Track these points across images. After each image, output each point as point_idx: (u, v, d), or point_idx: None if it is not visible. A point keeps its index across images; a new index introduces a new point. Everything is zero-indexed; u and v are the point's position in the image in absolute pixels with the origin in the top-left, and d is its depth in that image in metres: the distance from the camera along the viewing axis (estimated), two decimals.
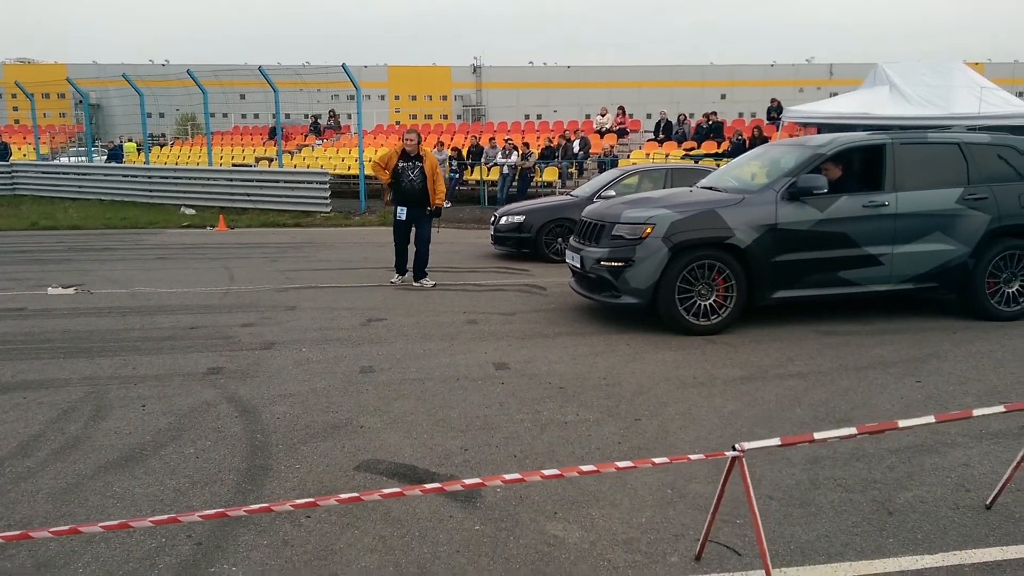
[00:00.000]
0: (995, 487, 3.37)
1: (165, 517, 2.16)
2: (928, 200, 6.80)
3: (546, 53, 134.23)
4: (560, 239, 11.10)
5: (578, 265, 7.10)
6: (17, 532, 1.99)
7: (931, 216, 6.79)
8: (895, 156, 6.85)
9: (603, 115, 23.48)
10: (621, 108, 23.65)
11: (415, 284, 9.04)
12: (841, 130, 10.99)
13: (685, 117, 22.17)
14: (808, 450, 3.96)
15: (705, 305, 6.50)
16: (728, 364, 5.66)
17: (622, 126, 23.00)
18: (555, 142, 20.93)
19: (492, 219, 12.07)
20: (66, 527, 2.04)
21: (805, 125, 15.45)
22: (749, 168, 7.85)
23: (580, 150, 20.23)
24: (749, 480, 2.61)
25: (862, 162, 7.25)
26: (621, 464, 2.57)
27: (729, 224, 6.44)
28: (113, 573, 2.85)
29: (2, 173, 23.21)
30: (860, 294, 6.86)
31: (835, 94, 19.92)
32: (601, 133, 22.51)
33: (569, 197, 12.22)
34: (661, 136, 21.28)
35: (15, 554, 2.96)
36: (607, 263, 6.63)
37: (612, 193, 10.88)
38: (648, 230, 6.47)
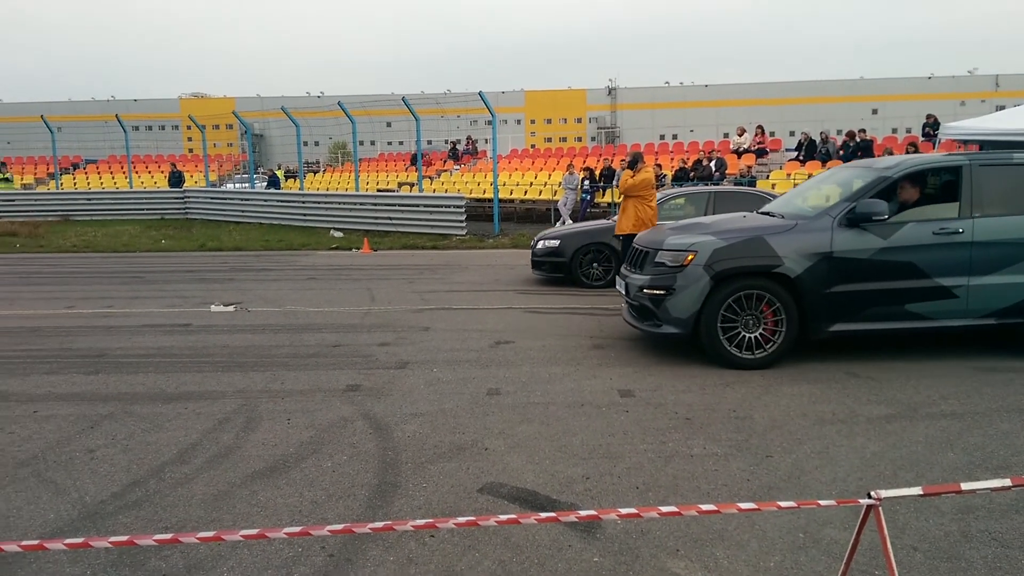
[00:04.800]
0: None
1: (298, 529, 2.31)
2: (1011, 227, 6.21)
3: (683, 72, 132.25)
4: (596, 264, 11.05)
5: (624, 292, 6.99)
6: (169, 536, 2.20)
7: (1015, 245, 6.19)
8: (973, 179, 6.29)
9: (740, 134, 22.83)
10: (760, 127, 22.90)
11: None
12: (1006, 148, 10.09)
13: (828, 136, 21.13)
14: (959, 499, 3.65)
15: (752, 337, 6.19)
16: (872, 400, 5.32)
17: (761, 145, 22.25)
18: (689, 163, 20.54)
19: (532, 243, 12.06)
20: (210, 533, 2.23)
21: (965, 142, 14.29)
22: (816, 192, 7.40)
23: (716, 171, 19.75)
24: (887, 531, 2.46)
25: (935, 186, 6.73)
26: (744, 505, 2.48)
27: (778, 252, 6.12)
28: None
29: (176, 199, 25.67)
30: (932, 329, 6.32)
31: (1002, 107, 18.34)
32: (739, 153, 21.89)
33: (609, 222, 12.09)
34: (803, 156, 20.40)
35: (169, 555, 3.26)
36: (649, 291, 6.48)
37: None
38: (690, 257, 6.27)
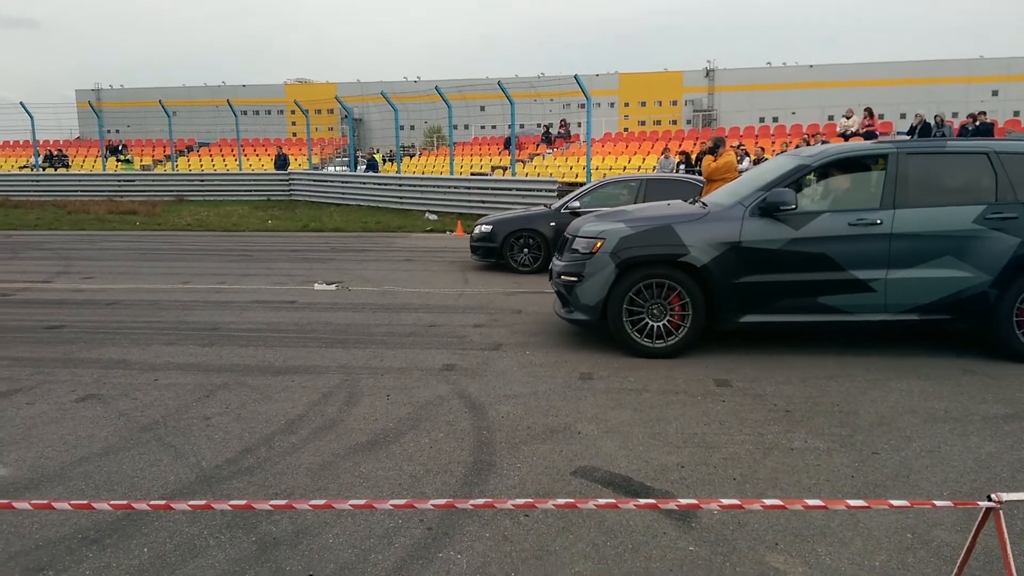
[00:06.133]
0: None
1: (403, 502, 2.40)
2: (936, 219, 5.84)
3: (785, 53, 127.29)
4: (526, 249, 11.11)
5: (550, 279, 7.01)
6: (283, 502, 2.32)
7: (940, 237, 5.83)
8: (899, 168, 5.95)
9: (848, 117, 21.77)
10: (868, 109, 21.77)
11: None
12: None
13: (943, 119, 19.88)
14: None
15: (658, 326, 6.08)
16: (988, 399, 5.02)
17: (870, 128, 21.17)
18: (791, 147, 19.80)
19: (472, 228, 12.15)
20: (321, 501, 2.34)
21: None
22: (747, 181, 7.00)
23: None
24: (1007, 536, 2.33)
25: (859, 174, 6.38)
26: (853, 503, 2.41)
27: (684, 241, 6.00)
28: (357, 546, 3.21)
29: (281, 181, 26.75)
30: (850, 323, 6.05)
31: None
32: (845, 137, 20.90)
33: (542, 208, 12.04)
34: (916, 140, 19.31)
35: (279, 520, 3.44)
36: (564, 277, 6.50)
37: (577, 204, 10.97)
38: (598, 244, 6.25)
